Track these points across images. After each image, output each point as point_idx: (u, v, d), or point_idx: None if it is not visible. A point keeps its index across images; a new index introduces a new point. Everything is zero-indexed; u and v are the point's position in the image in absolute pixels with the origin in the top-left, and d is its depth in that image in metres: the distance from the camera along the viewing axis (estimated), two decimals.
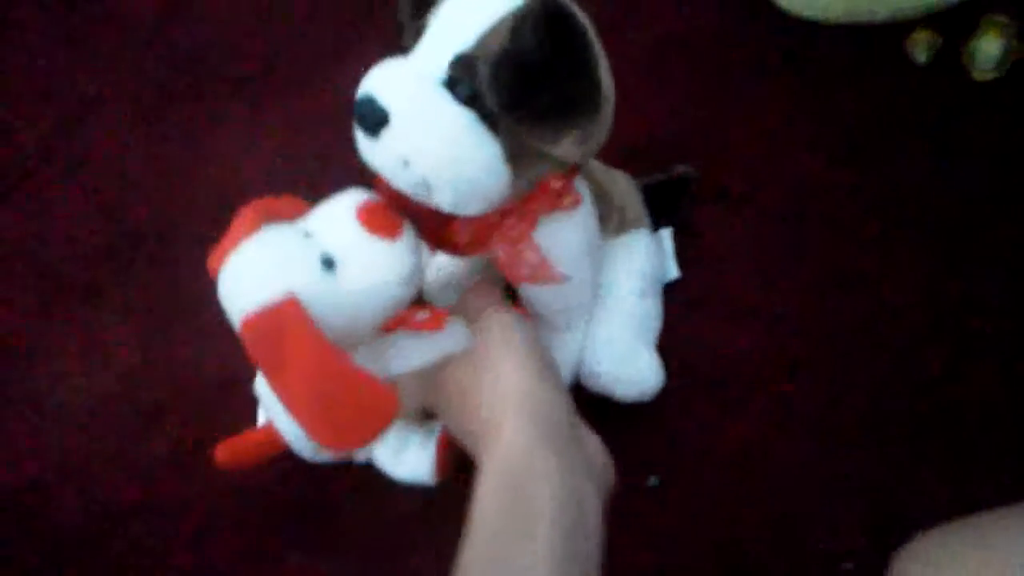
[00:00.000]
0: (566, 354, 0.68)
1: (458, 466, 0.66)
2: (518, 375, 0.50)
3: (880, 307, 0.76)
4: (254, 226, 0.49)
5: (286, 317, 0.46)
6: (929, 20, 0.85)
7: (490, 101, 0.48)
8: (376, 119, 0.47)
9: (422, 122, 0.48)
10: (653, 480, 0.71)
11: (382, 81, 0.49)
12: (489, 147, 0.49)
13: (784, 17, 0.89)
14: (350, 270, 0.49)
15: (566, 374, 0.68)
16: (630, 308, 0.69)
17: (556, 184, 0.57)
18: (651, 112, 0.87)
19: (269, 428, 0.56)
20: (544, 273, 0.59)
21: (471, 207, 0.51)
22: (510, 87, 0.47)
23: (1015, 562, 0.43)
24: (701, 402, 0.73)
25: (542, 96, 0.48)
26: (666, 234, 0.79)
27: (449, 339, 0.56)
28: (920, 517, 0.64)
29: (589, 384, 0.70)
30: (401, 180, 0.50)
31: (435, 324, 0.59)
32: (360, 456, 0.70)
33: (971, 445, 0.70)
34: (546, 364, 0.52)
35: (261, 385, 0.57)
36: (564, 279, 0.60)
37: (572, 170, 0.56)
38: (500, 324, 0.54)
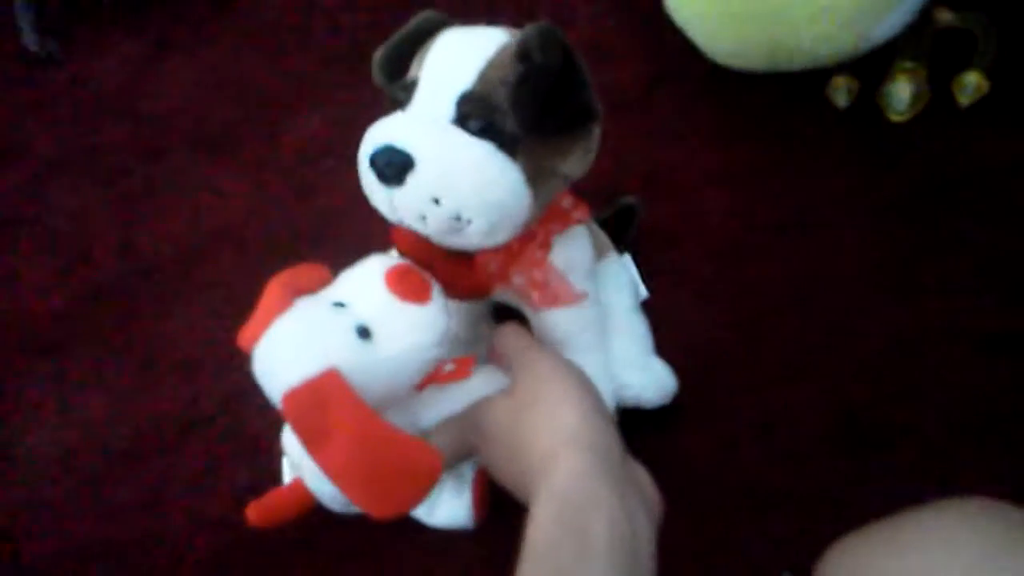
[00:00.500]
0: (595, 374, 0.72)
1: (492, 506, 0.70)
2: (572, 408, 0.50)
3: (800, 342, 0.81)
4: (284, 301, 0.49)
5: (328, 390, 0.46)
6: (846, 67, 0.91)
7: (511, 126, 0.51)
8: (401, 165, 0.50)
9: (448, 157, 0.50)
10: None
11: (394, 131, 0.51)
12: (512, 172, 0.52)
13: (716, 68, 0.95)
14: (385, 337, 0.50)
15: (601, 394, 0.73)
16: (632, 323, 0.74)
17: (566, 202, 0.61)
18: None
19: (298, 486, 0.57)
20: (566, 294, 0.63)
21: (501, 234, 0.54)
22: (532, 106, 0.51)
23: (935, 567, 0.44)
24: (655, 426, 0.76)
25: (559, 110, 0.52)
26: (628, 259, 0.84)
27: (478, 385, 0.57)
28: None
29: (621, 397, 0.73)
30: (432, 221, 0.52)
31: (462, 373, 0.61)
32: None
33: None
34: (596, 397, 0.53)
35: (290, 442, 0.59)
36: (584, 296, 0.63)
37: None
38: (549, 361, 0.54)
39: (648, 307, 0.79)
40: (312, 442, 0.46)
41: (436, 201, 0.51)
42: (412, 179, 0.50)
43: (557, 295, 0.63)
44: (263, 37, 1.18)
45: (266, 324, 0.48)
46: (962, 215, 0.84)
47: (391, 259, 0.55)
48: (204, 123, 0.99)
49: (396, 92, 0.55)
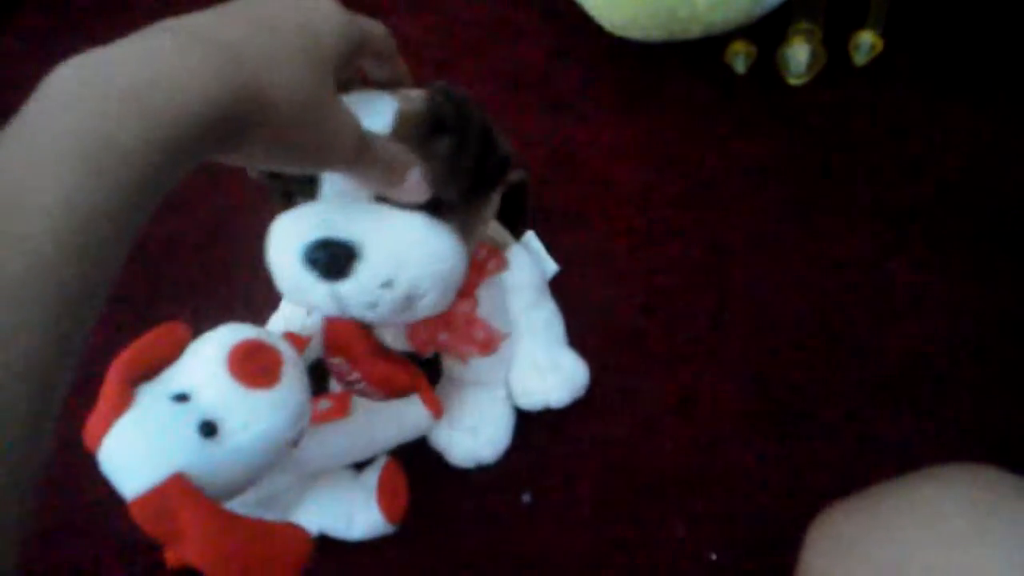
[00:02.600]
0: (504, 407, 0.73)
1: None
2: None
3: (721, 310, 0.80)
4: (125, 396, 0.48)
5: (174, 496, 0.46)
6: (743, 32, 0.90)
7: (448, 193, 0.50)
8: (346, 256, 0.48)
9: (393, 238, 0.49)
10: (526, 497, 0.73)
11: (326, 220, 0.48)
12: (448, 235, 0.50)
13: (615, 40, 0.93)
14: (233, 429, 0.49)
15: (508, 420, 0.73)
16: (529, 323, 0.72)
17: (482, 253, 0.61)
18: None
19: None
20: (493, 342, 0.62)
21: (446, 300, 0.53)
22: (470, 175, 0.50)
23: (918, 540, 0.44)
24: (568, 416, 0.75)
25: (489, 165, 0.52)
26: (531, 236, 0.81)
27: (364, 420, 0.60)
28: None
29: (526, 404, 0.73)
30: (383, 306, 0.50)
31: (341, 411, 0.60)
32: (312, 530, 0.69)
33: None
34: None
35: None
36: (508, 334, 0.63)
37: None
38: None
39: (559, 290, 0.78)
40: (168, 543, 0.46)
41: (388, 284, 0.49)
42: (361, 268, 0.48)
43: (489, 343, 0.63)
44: None
45: (108, 422, 0.47)
46: (866, 174, 0.85)
47: (236, 333, 0.52)
48: None
49: (287, 185, 0.51)
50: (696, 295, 0.80)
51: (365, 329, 0.61)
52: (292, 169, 0.45)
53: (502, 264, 0.65)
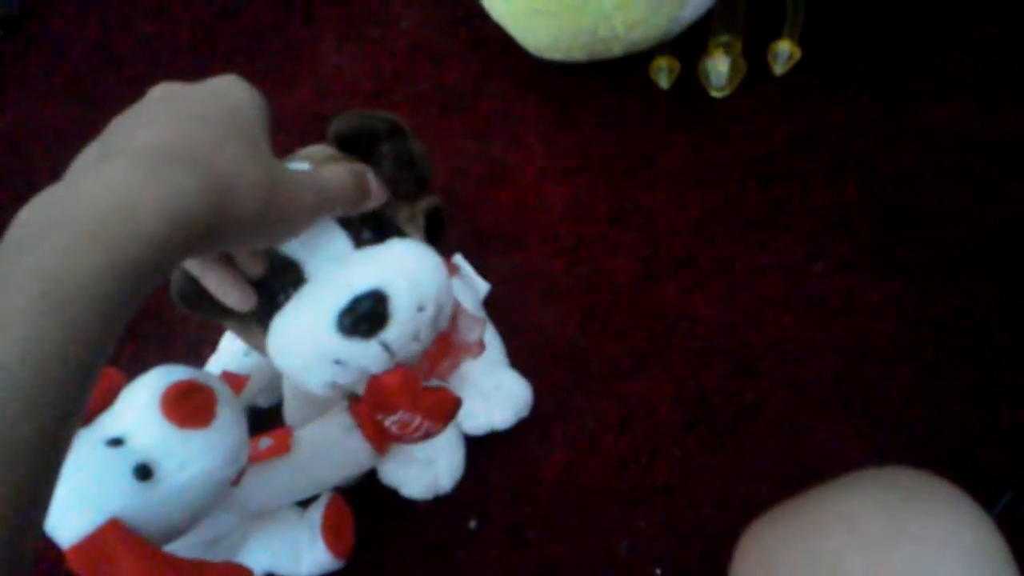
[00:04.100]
0: (455, 434, 0.73)
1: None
2: None
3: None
4: None
5: (110, 541, 0.46)
6: (665, 48, 0.91)
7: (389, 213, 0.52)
8: (379, 301, 0.48)
9: (399, 266, 0.50)
10: (472, 524, 0.73)
11: (333, 293, 0.49)
12: (424, 246, 0.53)
13: (540, 62, 0.94)
14: (168, 471, 0.49)
15: (461, 446, 0.74)
16: None
17: None
18: None
19: None
20: (481, 330, 0.63)
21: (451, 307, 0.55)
22: (411, 181, 0.53)
23: (839, 547, 0.44)
24: (510, 439, 0.75)
25: (425, 178, 0.55)
26: (459, 259, 0.82)
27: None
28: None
29: (471, 429, 0.73)
30: (421, 334, 0.52)
31: (281, 449, 0.60)
32: (260, 570, 0.69)
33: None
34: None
35: None
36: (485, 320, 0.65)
37: None
38: None
39: (497, 310, 0.78)
40: None
41: (421, 309, 0.50)
42: (395, 306, 0.49)
43: (479, 345, 0.64)
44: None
45: None
46: (790, 180, 0.86)
47: (170, 374, 0.52)
48: None
49: (270, 292, 0.50)
50: (632, 311, 0.81)
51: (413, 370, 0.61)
52: (272, 243, 0.44)
53: (454, 269, 0.66)
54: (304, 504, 0.71)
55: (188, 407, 0.51)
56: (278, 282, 0.50)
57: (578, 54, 0.88)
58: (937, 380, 0.74)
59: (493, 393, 0.73)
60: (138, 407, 0.51)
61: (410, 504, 0.73)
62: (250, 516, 0.66)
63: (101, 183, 0.33)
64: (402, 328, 0.50)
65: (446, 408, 0.59)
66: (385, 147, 0.51)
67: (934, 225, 0.81)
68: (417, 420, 0.57)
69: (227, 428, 0.52)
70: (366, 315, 0.48)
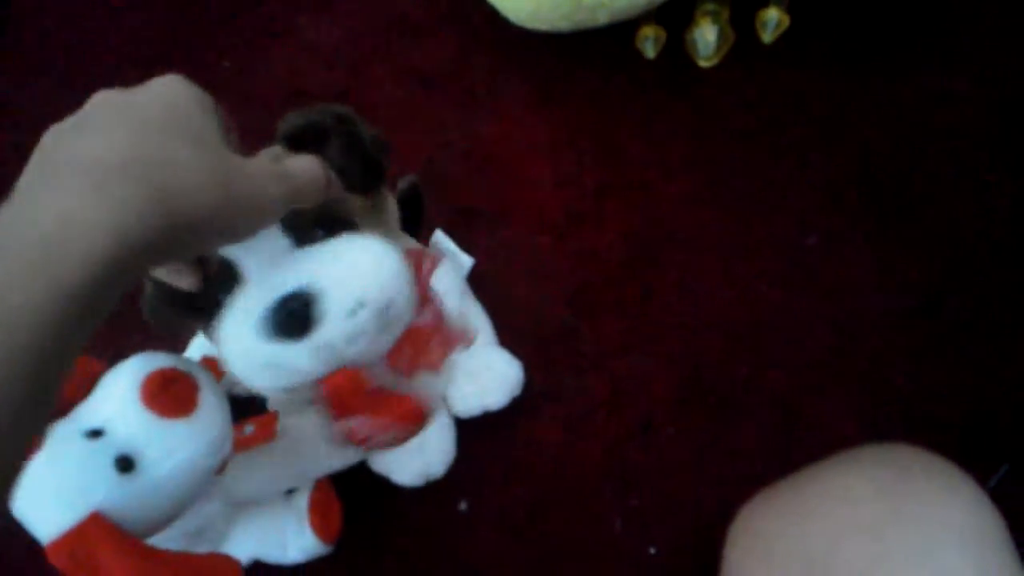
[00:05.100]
0: (445, 418, 0.71)
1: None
2: None
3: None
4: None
5: (92, 535, 0.44)
6: (651, 17, 0.89)
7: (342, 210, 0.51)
8: (303, 302, 0.46)
9: (336, 262, 0.47)
10: (463, 506, 0.72)
11: (259, 296, 0.47)
12: (374, 238, 0.49)
13: (525, 33, 0.92)
14: (151, 461, 0.47)
15: (451, 430, 0.72)
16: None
17: (411, 259, 0.57)
18: (407, 151, 0.88)
19: None
20: (467, 330, 0.60)
21: (410, 305, 0.51)
22: (364, 164, 0.51)
23: (834, 531, 0.44)
24: (500, 420, 0.74)
25: (379, 168, 0.53)
26: (439, 236, 0.80)
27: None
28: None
29: (464, 411, 0.71)
30: (364, 334, 0.48)
31: (266, 435, 0.58)
32: (247, 558, 0.68)
33: None
34: None
35: None
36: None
37: None
38: None
39: (483, 289, 0.77)
40: None
41: (359, 307, 0.47)
42: (326, 306, 0.46)
43: (465, 333, 0.61)
44: None
45: None
46: (780, 152, 0.85)
47: (149, 362, 0.50)
48: None
49: (207, 303, 0.49)
50: (622, 288, 0.80)
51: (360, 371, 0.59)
52: (238, 239, 0.41)
53: (436, 259, 0.63)
54: (289, 490, 0.69)
55: (169, 396, 0.49)
56: (218, 286, 0.48)
57: (562, 23, 0.85)
58: (932, 354, 0.73)
59: (484, 373, 0.71)
60: (117, 397, 0.49)
61: (397, 487, 0.71)
62: (235, 505, 0.64)
63: (45, 205, 0.32)
64: (335, 330, 0.47)
65: (410, 415, 0.57)
66: (333, 138, 0.50)
67: (927, 196, 0.80)
68: (379, 424, 0.56)
69: (210, 416, 0.50)
70: (290, 317, 0.46)
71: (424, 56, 0.95)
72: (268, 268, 0.48)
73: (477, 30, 0.95)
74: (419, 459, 0.70)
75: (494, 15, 0.91)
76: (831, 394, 0.72)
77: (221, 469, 0.54)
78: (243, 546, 0.66)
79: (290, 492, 0.69)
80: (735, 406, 0.73)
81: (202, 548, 0.62)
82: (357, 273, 0.48)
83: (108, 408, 0.49)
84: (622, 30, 0.90)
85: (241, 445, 0.59)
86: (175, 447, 0.48)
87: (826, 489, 0.48)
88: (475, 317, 0.73)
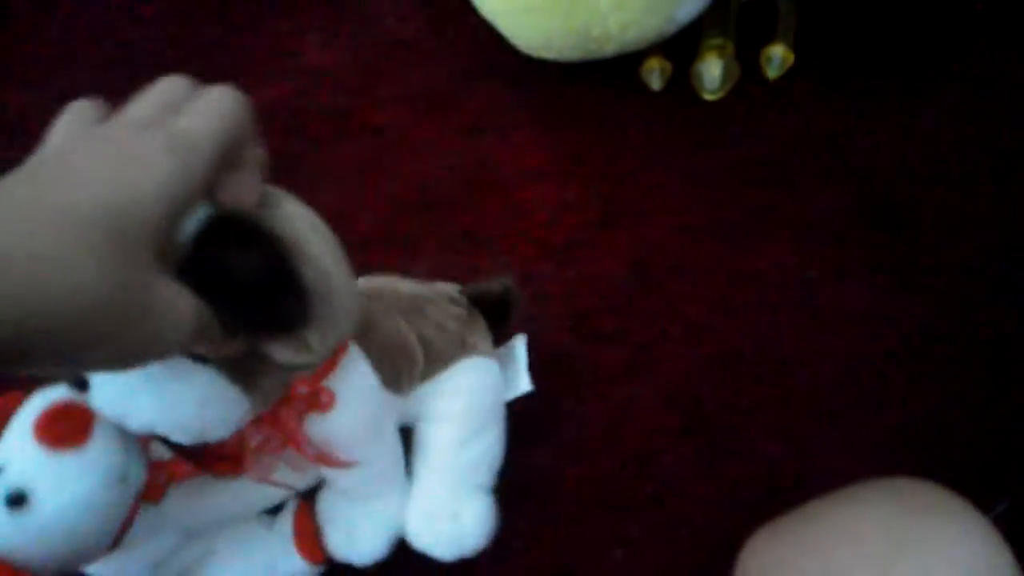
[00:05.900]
0: (378, 522, 0.65)
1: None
2: None
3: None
4: None
5: None
6: (658, 49, 0.90)
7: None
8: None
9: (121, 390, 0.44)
10: None
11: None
12: (203, 375, 0.43)
13: (530, 59, 0.92)
14: (45, 496, 0.46)
15: (381, 542, 0.65)
16: (449, 461, 0.64)
17: (302, 390, 0.53)
18: (410, 174, 0.88)
19: None
20: (329, 461, 0.57)
21: (216, 434, 0.47)
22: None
23: (844, 563, 0.44)
24: None
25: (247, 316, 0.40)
26: (520, 345, 0.72)
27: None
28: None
29: (412, 542, 0.65)
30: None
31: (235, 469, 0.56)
32: None
33: None
34: None
35: None
36: (352, 463, 0.57)
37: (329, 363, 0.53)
38: None
39: None
40: None
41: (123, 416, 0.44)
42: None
43: (320, 459, 0.56)
44: None
45: None
46: (783, 185, 0.85)
47: (49, 396, 0.48)
48: None
49: None
50: (622, 315, 0.79)
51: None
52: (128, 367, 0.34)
53: (330, 402, 0.54)
54: (271, 513, 0.68)
55: (60, 428, 0.47)
56: None
57: (570, 53, 0.86)
58: (932, 387, 0.73)
59: (447, 522, 0.64)
60: (16, 432, 0.48)
61: None
62: (197, 536, 0.62)
63: None
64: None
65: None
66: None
67: (928, 231, 0.81)
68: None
69: (104, 448, 0.48)
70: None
71: (428, 80, 0.96)
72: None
73: (483, 55, 0.96)
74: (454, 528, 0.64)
75: (500, 40, 0.92)
76: (832, 425, 0.72)
77: (156, 499, 0.53)
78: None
79: (272, 514, 0.67)
80: (735, 437, 0.72)
81: None
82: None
83: (7, 445, 0.48)
84: (628, 60, 0.91)
85: (182, 475, 0.57)
86: (66, 481, 0.46)
87: (834, 522, 0.47)
88: (477, 455, 0.66)
